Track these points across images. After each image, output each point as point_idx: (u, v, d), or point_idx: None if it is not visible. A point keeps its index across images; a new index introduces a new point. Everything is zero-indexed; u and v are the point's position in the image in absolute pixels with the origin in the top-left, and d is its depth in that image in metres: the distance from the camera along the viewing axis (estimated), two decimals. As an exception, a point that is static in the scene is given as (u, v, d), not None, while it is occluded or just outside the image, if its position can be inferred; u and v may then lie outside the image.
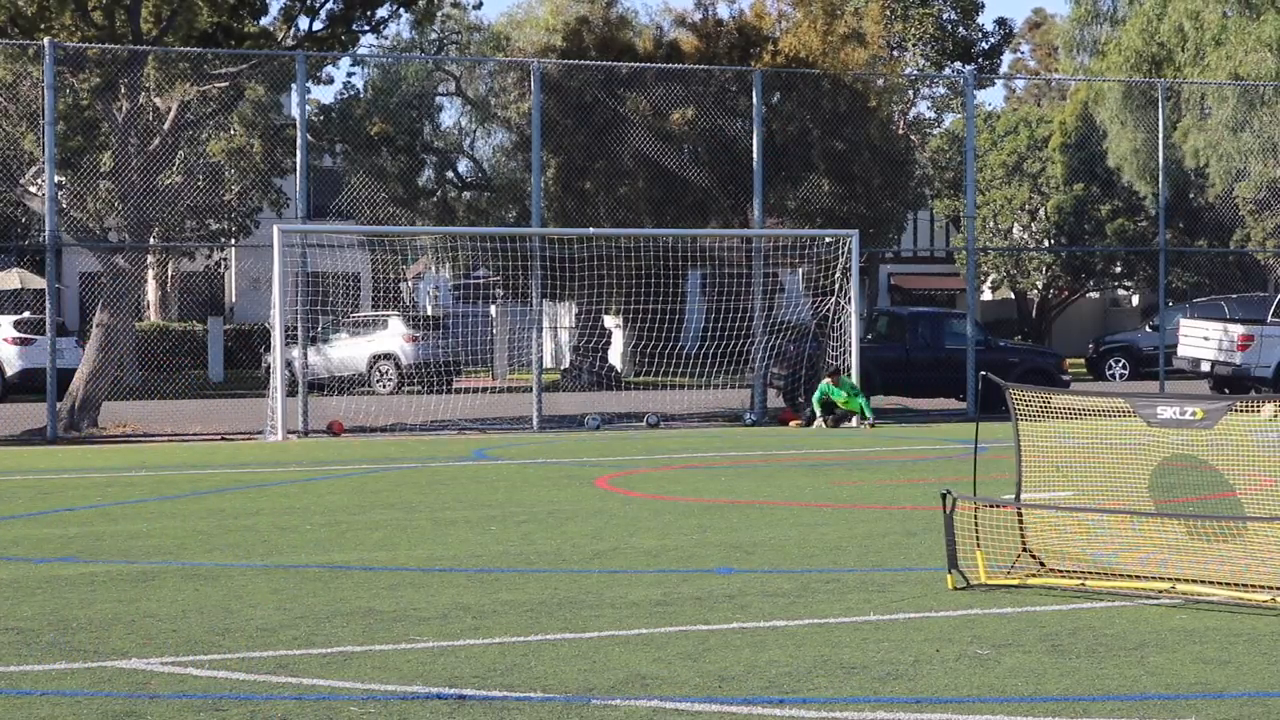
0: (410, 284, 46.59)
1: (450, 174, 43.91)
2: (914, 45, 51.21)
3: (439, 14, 36.71)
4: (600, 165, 32.18)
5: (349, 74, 51.35)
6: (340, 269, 29.98)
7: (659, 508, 15.19)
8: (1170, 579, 10.05)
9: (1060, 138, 54.30)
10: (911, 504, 15.06)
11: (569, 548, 12.51)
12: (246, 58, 26.50)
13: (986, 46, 53.52)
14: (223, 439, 24.42)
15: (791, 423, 26.62)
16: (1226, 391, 29.96)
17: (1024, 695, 7.61)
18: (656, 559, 11.92)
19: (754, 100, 28.06)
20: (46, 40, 24.17)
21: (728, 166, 30.53)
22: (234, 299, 54.46)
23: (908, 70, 48.25)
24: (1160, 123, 31.66)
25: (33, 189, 27.12)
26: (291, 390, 25.22)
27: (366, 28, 28.10)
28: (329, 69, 35.84)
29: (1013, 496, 10.80)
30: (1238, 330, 30.92)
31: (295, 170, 27.60)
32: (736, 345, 27.65)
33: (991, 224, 58.58)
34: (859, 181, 32.54)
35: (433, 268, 43.21)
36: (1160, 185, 31.83)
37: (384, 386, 36.86)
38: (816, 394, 26.16)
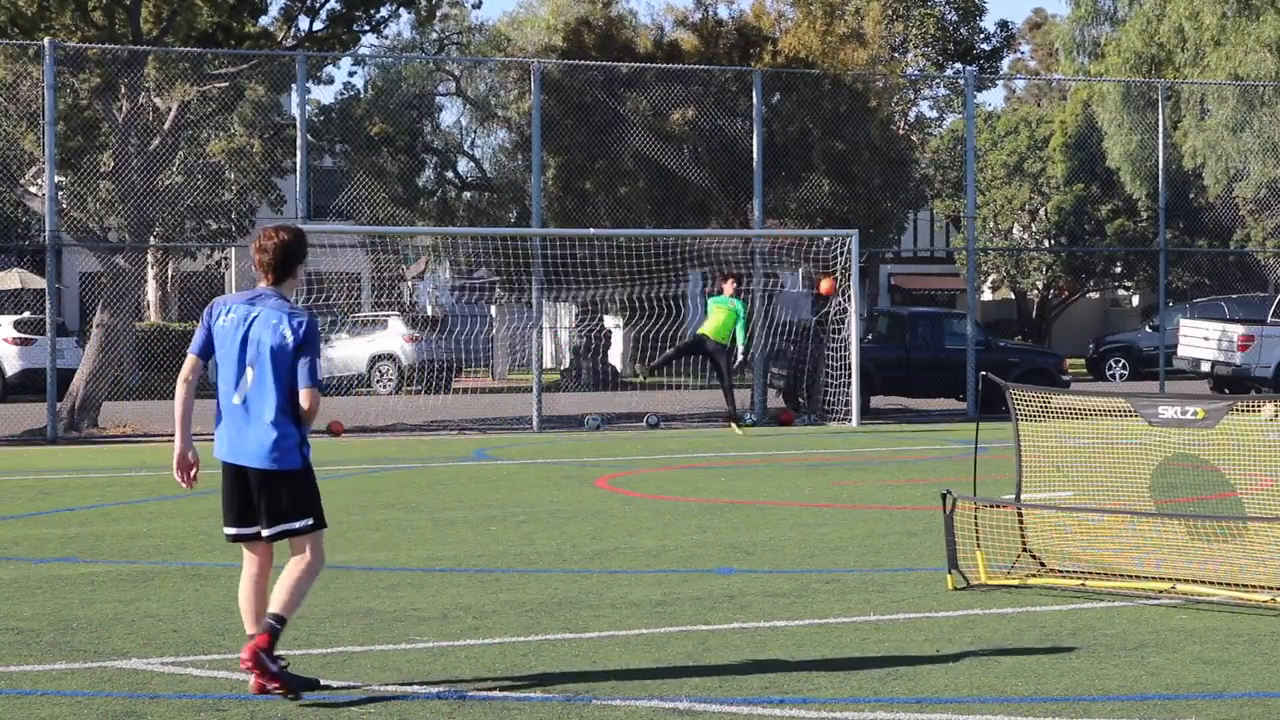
0: (410, 284, 46.57)
1: (450, 174, 43.89)
2: (915, 46, 51.20)
3: (439, 14, 36.69)
4: (600, 165, 32.16)
5: (349, 74, 51.33)
6: (340, 269, 29.97)
7: (659, 508, 15.19)
8: (1170, 579, 10.05)
9: (1061, 138, 54.29)
10: (911, 504, 15.06)
11: (569, 548, 12.51)
12: (246, 58, 26.50)
13: (988, 48, 53.49)
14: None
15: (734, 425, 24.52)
16: (1226, 391, 29.95)
17: (1024, 695, 7.61)
18: (656, 559, 11.92)
19: (754, 100, 28.05)
20: (46, 40, 24.17)
21: (728, 166, 30.52)
22: (234, 299, 54.35)
23: (908, 71, 48.24)
24: (1160, 123, 31.65)
25: (33, 189, 27.12)
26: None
27: (367, 28, 28.10)
28: (329, 69, 35.83)
29: (1013, 496, 10.80)
30: (1238, 330, 30.90)
31: (295, 170, 27.59)
32: (736, 345, 27.61)
33: (992, 224, 58.58)
34: (859, 181, 32.52)
35: (433, 268, 43.20)
36: (1160, 185, 31.83)
37: (384, 386, 36.87)
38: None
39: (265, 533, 7.71)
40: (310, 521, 7.72)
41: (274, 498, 7.64)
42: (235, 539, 7.82)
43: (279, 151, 37.64)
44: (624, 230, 29.39)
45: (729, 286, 23.66)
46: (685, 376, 28.57)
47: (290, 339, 7.53)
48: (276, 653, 7.55)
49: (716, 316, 23.54)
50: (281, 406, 7.55)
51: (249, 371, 7.59)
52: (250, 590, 7.77)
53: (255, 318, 7.61)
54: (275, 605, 7.62)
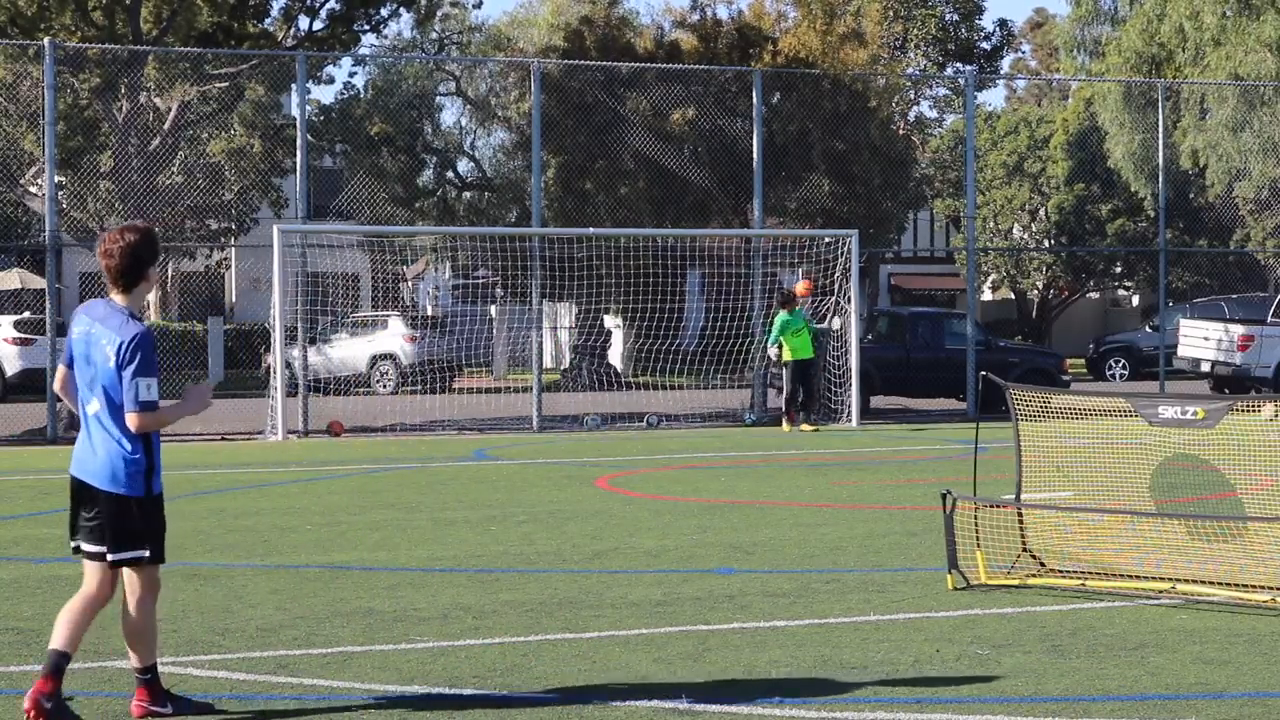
0: (410, 284, 46.59)
1: (450, 174, 43.92)
2: (915, 46, 51.21)
3: (439, 14, 36.74)
4: (600, 165, 32.16)
5: (349, 74, 51.32)
6: (340, 269, 29.95)
7: (659, 508, 15.18)
8: (1170, 579, 10.05)
9: (1062, 136, 54.29)
10: (911, 504, 15.05)
11: (569, 548, 12.51)
12: (246, 58, 26.51)
13: (988, 48, 53.50)
14: (223, 439, 24.41)
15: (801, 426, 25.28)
16: (1226, 391, 29.94)
17: (1024, 695, 7.61)
18: (656, 559, 11.92)
19: (754, 100, 28.05)
20: (46, 40, 24.17)
21: (728, 166, 30.52)
22: (234, 299, 54.47)
23: (909, 70, 48.23)
24: (1160, 123, 31.65)
25: (33, 189, 27.14)
26: (291, 390, 25.22)
27: (367, 28, 28.13)
28: (329, 69, 35.88)
29: (1013, 496, 10.80)
30: (1238, 330, 30.89)
31: (295, 170, 27.61)
32: (736, 345, 27.64)
33: (992, 224, 58.59)
34: (859, 181, 32.50)
35: (433, 268, 43.21)
36: (1160, 185, 31.82)
37: (384, 386, 36.86)
38: (776, 329, 25.08)
39: (110, 557, 7.36)
40: (146, 553, 7.37)
41: (115, 522, 7.28)
42: (76, 551, 7.51)
43: (279, 151, 37.68)
44: (624, 230, 29.39)
45: (802, 294, 25.58)
46: (684, 376, 28.57)
47: (114, 360, 7.23)
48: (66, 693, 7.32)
49: (802, 337, 25.05)
50: (125, 430, 7.26)
51: (95, 392, 7.31)
52: (72, 607, 7.45)
53: (91, 337, 7.32)
54: (58, 642, 7.32)
